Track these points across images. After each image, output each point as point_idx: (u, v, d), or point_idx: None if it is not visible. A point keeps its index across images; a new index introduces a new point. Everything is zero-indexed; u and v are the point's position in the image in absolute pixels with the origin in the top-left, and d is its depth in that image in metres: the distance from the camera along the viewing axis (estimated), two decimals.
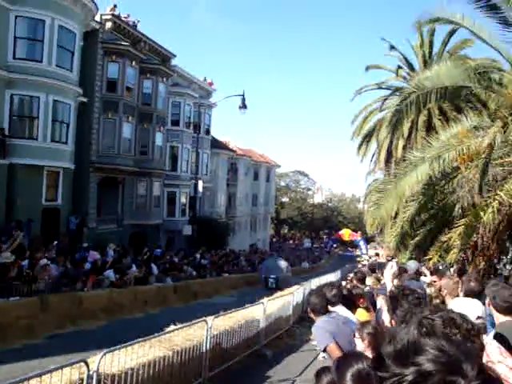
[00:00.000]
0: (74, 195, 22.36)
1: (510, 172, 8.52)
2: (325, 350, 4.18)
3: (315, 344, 10.09)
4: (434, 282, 7.58)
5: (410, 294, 2.91)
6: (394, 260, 12.20)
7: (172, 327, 7.23)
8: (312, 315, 4.51)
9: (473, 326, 1.87)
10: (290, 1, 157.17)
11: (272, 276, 23.37)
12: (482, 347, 1.85)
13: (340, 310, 4.74)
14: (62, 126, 21.03)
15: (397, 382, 0.99)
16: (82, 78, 22.43)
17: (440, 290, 5.79)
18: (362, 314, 5.11)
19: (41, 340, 10.32)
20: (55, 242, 17.26)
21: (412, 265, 8.67)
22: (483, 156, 8.12)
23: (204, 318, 7.57)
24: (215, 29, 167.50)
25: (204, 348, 7.25)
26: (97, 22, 24.17)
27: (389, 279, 3.77)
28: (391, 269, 3.78)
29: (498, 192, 8.11)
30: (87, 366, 4.60)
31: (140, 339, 5.85)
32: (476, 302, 4.51)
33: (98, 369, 4.73)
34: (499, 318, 3.55)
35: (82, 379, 4.61)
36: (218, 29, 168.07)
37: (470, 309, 3.92)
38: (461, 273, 7.53)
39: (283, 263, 26.20)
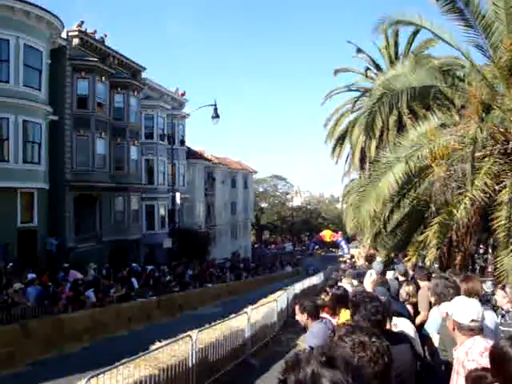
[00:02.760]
0: (50, 215, 21.97)
1: (478, 168, 8.73)
2: None
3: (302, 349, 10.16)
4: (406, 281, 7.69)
5: (369, 301, 2.91)
6: (376, 260, 12.29)
7: (157, 345, 7.18)
8: (309, 320, 4.65)
9: (381, 344, 1.90)
10: (255, 8, 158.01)
11: (311, 267, 40.99)
12: (390, 362, 1.93)
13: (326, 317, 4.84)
14: (33, 146, 20.71)
15: None
16: (52, 96, 22.16)
17: (417, 290, 5.85)
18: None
19: (23, 368, 10.09)
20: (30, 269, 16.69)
21: (377, 266, 8.57)
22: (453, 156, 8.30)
23: (188, 332, 7.55)
24: (184, 39, 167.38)
25: (190, 363, 7.22)
26: (63, 38, 23.90)
27: (369, 288, 3.82)
28: (370, 277, 3.84)
29: (469, 188, 8.31)
30: None
31: (124, 360, 5.80)
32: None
33: None
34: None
35: None
36: (186, 39, 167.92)
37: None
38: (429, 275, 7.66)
39: (316, 260, 53.75)
